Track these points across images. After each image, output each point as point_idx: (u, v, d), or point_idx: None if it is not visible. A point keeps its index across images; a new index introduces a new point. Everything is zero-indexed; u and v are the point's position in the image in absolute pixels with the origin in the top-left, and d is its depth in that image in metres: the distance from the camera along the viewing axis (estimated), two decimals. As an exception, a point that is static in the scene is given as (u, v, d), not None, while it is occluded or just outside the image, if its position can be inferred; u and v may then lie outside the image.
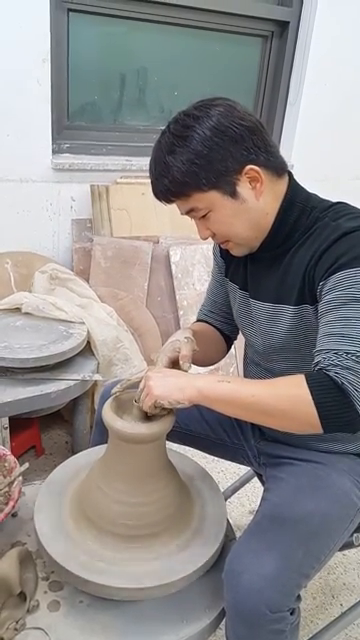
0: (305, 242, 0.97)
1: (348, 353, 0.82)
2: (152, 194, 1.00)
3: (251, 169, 0.93)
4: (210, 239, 1.05)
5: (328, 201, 1.01)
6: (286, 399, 0.83)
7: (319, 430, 0.82)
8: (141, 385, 0.96)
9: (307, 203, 0.99)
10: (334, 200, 1.01)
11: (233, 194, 0.95)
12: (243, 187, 0.95)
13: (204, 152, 0.91)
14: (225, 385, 0.88)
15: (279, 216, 0.99)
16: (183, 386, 0.89)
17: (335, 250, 0.90)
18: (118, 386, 1.02)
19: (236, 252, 1.06)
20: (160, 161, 0.94)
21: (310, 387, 0.81)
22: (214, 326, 1.26)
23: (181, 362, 1.02)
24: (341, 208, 0.97)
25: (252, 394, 0.85)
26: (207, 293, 1.29)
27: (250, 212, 0.97)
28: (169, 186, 0.95)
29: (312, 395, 0.81)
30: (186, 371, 1.02)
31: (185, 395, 0.89)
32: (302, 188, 1.02)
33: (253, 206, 0.97)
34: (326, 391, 0.81)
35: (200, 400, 0.89)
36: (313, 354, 0.87)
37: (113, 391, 1.02)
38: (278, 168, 0.98)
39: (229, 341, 1.28)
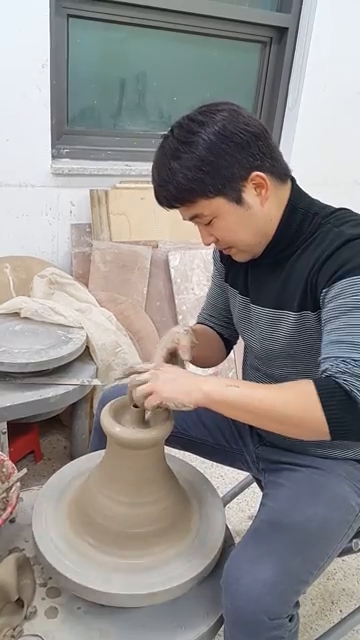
0: (307, 248, 0.97)
1: (356, 360, 0.81)
2: (154, 199, 0.98)
3: (257, 175, 0.93)
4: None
5: (330, 207, 1.01)
6: (296, 406, 0.82)
7: (327, 437, 0.81)
8: (143, 377, 0.92)
9: (310, 209, 0.99)
10: (334, 205, 1.01)
11: (239, 201, 0.94)
12: (249, 193, 0.94)
13: (210, 158, 0.90)
14: (234, 390, 0.86)
15: (282, 222, 0.99)
16: (191, 389, 0.87)
17: (338, 257, 0.89)
18: (119, 373, 1.01)
19: (239, 258, 1.06)
20: (165, 167, 0.93)
21: (319, 394, 0.81)
22: (214, 330, 1.26)
23: (180, 352, 1.01)
24: (344, 214, 0.97)
25: (261, 400, 0.84)
26: (207, 297, 1.29)
27: (255, 218, 0.96)
28: (174, 192, 0.93)
29: (321, 402, 0.80)
30: (185, 360, 1.01)
31: (192, 398, 0.87)
32: (305, 193, 1.02)
33: (258, 212, 0.96)
34: (335, 398, 0.80)
35: (207, 404, 0.87)
36: (319, 361, 0.87)
37: (116, 377, 1.00)
38: (282, 174, 0.98)
39: (229, 345, 1.28)
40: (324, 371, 0.84)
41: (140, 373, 0.94)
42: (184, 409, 0.88)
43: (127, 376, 0.99)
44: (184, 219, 1.01)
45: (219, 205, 0.94)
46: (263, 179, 0.93)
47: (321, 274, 0.91)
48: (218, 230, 0.98)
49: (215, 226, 0.97)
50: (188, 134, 0.91)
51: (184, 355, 1.01)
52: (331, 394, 0.80)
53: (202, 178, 0.91)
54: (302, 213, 0.98)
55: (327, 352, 0.86)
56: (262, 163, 0.93)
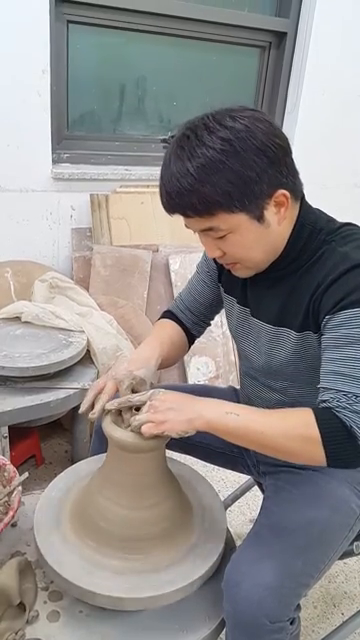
0: (312, 267, 0.94)
1: (357, 396, 0.82)
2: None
3: (282, 194, 0.88)
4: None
5: (335, 221, 0.98)
6: (296, 439, 0.83)
7: (323, 465, 0.83)
8: (144, 409, 0.91)
9: (316, 225, 0.95)
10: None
11: (260, 218, 0.89)
12: (270, 211, 0.89)
13: (241, 171, 0.83)
14: (234, 418, 0.85)
15: (291, 239, 0.95)
16: (191, 417, 0.86)
17: (344, 284, 0.87)
18: (116, 403, 0.95)
19: (241, 274, 1.01)
20: (186, 173, 0.83)
21: (320, 428, 0.81)
22: (184, 325, 1.23)
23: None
24: (348, 232, 0.94)
25: (262, 431, 0.84)
26: (189, 290, 1.23)
27: (271, 236, 0.92)
28: (195, 203, 0.85)
29: (322, 436, 0.81)
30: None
31: (193, 426, 0.86)
32: (312, 208, 0.98)
33: (275, 230, 0.92)
34: (335, 432, 0.81)
35: (208, 430, 0.87)
36: (318, 388, 0.87)
37: (107, 407, 0.96)
38: (298, 191, 0.94)
39: (193, 340, 1.26)
40: (324, 401, 0.84)
41: (136, 405, 0.93)
42: (185, 435, 0.88)
43: (121, 408, 0.95)
44: (188, 227, 0.94)
45: (240, 221, 0.88)
46: (286, 198, 0.89)
47: (325, 298, 0.89)
48: (230, 245, 0.92)
49: (228, 241, 0.91)
50: (216, 139, 0.82)
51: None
52: (332, 429, 0.81)
53: (230, 192, 0.84)
54: (309, 230, 0.95)
55: (328, 382, 0.85)
56: (287, 180, 0.88)
